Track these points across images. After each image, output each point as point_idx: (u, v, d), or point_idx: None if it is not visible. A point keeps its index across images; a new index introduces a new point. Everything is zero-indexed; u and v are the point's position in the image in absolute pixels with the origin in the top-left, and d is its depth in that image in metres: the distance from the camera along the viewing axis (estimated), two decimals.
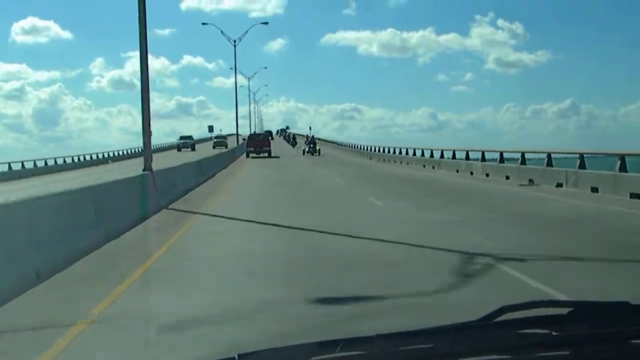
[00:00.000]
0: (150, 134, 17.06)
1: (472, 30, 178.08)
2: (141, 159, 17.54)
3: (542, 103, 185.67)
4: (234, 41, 60.88)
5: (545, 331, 1.56)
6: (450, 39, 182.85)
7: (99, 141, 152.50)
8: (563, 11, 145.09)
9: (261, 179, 27.59)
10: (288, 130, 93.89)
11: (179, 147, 67.94)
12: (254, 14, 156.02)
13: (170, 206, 15.97)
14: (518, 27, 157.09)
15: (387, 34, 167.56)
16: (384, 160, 45.51)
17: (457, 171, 28.96)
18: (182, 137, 73.19)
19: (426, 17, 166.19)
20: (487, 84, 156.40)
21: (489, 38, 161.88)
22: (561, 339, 1.55)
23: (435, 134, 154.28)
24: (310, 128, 70.97)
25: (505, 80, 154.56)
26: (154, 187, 15.62)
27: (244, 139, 64.86)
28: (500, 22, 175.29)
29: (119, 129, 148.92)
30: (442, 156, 33.35)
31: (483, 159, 27.27)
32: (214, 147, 62.25)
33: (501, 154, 25.50)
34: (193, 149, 65.18)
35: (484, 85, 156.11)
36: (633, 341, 1.56)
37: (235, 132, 70.28)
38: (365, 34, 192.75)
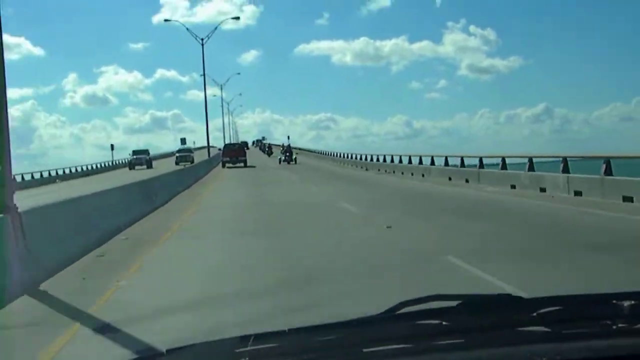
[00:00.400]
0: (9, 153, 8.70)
1: (444, 37, 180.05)
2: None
3: (515, 108, 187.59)
4: (202, 39, 58.49)
5: (439, 322, 1.77)
6: (423, 46, 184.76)
7: (73, 157, 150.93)
8: (534, 16, 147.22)
9: (233, 206, 19.66)
10: (264, 141, 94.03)
11: (130, 165, 58.17)
12: (226, 26, 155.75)
13: (44, 285, 8.06)
14: (490, 33, 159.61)
15: (360, 43, 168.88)
16: (379, 170, 40.31)
17: (466, 181, 25.21)
18: (134, 152, 61.60)
19: (399, 25, 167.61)
20: (461, 90, 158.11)
21: (462, 45, 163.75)
22: (453, 328, 1.76)
23: (411, 142, 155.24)
24: (288, 137, 70.85)
25: (479, 86, 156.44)
26: (16, 242, 8.25)
27: (219, 150, 64.55)
28: (472, 28, 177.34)
29: (93, 145, 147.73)
30: (432, 163, 31.68)
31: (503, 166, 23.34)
32: (176, 163, 53.91)
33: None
34: (149, 166, 54.46)
35: (457, 92, 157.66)
36: (518, 328, 1.78)
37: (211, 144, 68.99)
38: (338, 44, 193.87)
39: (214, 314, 6.42)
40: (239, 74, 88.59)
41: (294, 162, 54.80)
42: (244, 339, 1.63)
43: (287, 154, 56.58)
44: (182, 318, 6.19)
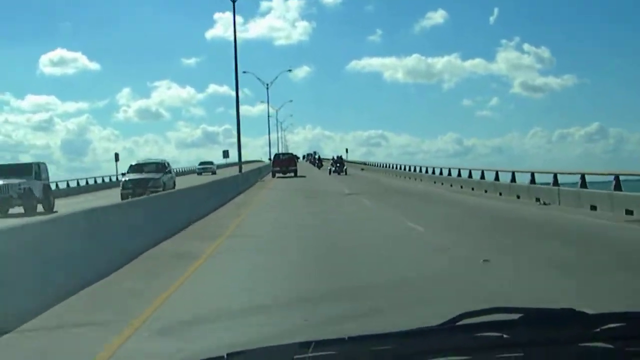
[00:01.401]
0: None
1: (497, 55, 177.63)
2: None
3: (568, 127, 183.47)
4: (267, 85, 61.87)
5: (499, 334, 1.75)
6: (475, 64, 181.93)
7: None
8: (590, 35, 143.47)
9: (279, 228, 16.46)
10: (316, 155, 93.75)
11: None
12: (279, 42, 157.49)
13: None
14: (545, 51, 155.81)
15: (412, 60, 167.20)
16: (461, 186, 32.37)
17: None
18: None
19: (452, 42, 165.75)
20: (513, 109, 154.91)
21: (515, 62, 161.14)
22: (513, 342, 1.75)
23: (461, 159, 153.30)
24: (346, 150, 71.16)
25: (532, 104, 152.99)
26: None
27: (269, 159, 65.67)
28: (526, 46, 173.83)
29: (146, 158, 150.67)
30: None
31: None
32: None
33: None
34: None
35: (509, 110, 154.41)
36: (580, 344, 1.75)
37: (260, 158, 71.37)
38: (390, 60, 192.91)
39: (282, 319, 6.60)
40: (291, 101, 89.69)
41: (344, 173, 54.53)
42: (304, 345, 1.65)
43: (338, 164, 56.28)
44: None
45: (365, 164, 77.26)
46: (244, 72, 59.99)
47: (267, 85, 79.80)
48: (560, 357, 1.71)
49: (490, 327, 1.78)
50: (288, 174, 53.50)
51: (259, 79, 77.84)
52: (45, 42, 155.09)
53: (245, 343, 1.88)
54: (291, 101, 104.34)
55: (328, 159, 78.44)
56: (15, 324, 6.23)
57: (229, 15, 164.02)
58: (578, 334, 1.78)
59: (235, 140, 46.10)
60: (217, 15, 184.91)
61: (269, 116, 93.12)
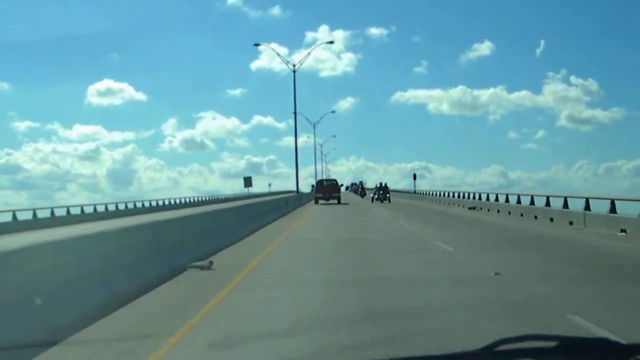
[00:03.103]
0: None
1: (544, 88, 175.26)
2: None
3: (616, 160, 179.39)
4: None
5: None
6: (521, 96, 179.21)
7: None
8: (638, 67, 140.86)
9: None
10: (362, 184, 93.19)
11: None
12: (324, 73, 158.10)
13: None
14: (592, 84, 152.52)
15: (457, 92, 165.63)
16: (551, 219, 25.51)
17: None
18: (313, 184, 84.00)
19: (498, 74, 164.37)
20: (559, 141, 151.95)
21: (562, 95, 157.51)
22: None
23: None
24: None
25: (578, 137, 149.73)
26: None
27: (312, 185, 65.82)
28: (573, 78, 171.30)
29: (190, 188, 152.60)
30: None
31: None
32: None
33: None
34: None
35: (555, 143, 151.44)
36: None
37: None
38: (435, 92, 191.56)
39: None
40: (333, 112, 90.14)
41: (387, 201, 53.68)
42: None
43: (381, 192, 55.34)
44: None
45: (404, 192, 77.11)
46: (294, 112, 60.74)
47: (314, 124, 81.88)
48: None
49: (526, 354, 1.83)
50: (331, 201, 53.53)
51: (307, 118, 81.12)
52: (93, 73, 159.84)
53: None
54: (334, 136, 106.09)
55: (371, 189, 78.19)
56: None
57: (274, 46, 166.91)
58: None
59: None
60: (262, 47, 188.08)
61: (315, 154, 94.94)
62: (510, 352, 1.82)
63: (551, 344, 1.83)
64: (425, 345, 5.71)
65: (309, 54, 61.63)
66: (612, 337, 2.13)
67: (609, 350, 1.84)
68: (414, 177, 72.12)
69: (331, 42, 67.94)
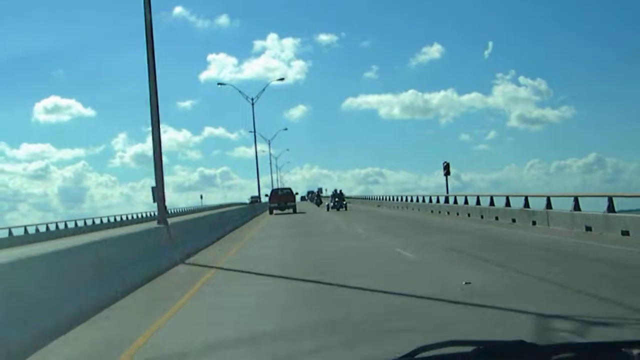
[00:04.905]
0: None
1: (494, 89, 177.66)
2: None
3: (566, 158, 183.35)
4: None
5: None
6: (472, 98, 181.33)
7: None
8: (586, 66, 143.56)
9: None
10: (321, 193, 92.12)
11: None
12: (274, 82, 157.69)
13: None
14: (541, 83, 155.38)
15: (408, 96, 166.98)
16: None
17: None
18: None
19: (448, 77, 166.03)
20: (511, 141, 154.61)
21: (512, 95, 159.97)
22: None
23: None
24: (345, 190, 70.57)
25: (529, 136, 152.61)
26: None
27: (266, 195, 64.75)
28: (522, 79, 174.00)
29: (143, 203, 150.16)
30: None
31: None
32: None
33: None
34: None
35: (507, 143, 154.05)
36: None
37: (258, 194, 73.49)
38: (386, 97, 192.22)
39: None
40: (286, 129, 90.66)
41: (344, 209, 52.42)
42: None
43: (336, 199, 53.60)
44: None
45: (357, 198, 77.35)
46: (250, 131, 62.93)
47: (269, 141, 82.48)
48: None
49: None
50: (286, 210, 52.40)
51: (262, 136, 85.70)
52: (39, 91, 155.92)
53: None
54: (288, 150, 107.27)
55: (327, 197, 77.16)
56: None
57: (222, 56, 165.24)
58: None
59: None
60: (210, 57, 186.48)
61: (270, 166, 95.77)
62: (430, 359, 1.89)
63: (469, 348, 1.89)
64: None
65: (264, 90, 64.74)
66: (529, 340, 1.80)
67: (525, 352, 1.90)
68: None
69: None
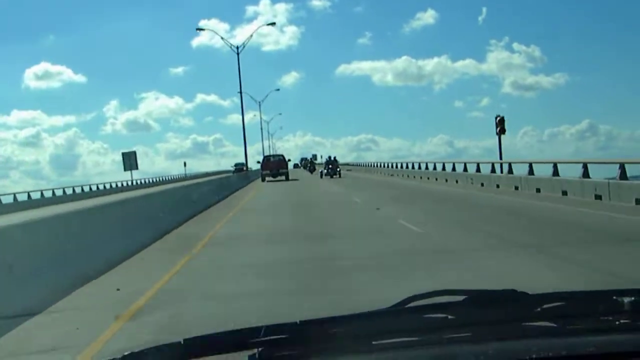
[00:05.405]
0: None
1: (488, 55, 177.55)
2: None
3: (559, 125, 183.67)
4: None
5: (446, 315, 1.83)
6: (466, 64, 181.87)
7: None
8: (580, 33, 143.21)
9: None
10: (315, 160, 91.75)
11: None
12: (267, 47, 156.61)
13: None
14: (535, 50, 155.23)
15: (402, 62, 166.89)
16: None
17: None
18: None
19: (442, 43, 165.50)
20: (505, 108, 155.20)
21: (506, 62, 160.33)
22: (460, 322, 1.82)
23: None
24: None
25: (523, 103, 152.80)
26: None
27: (258, 162, 63.55)
28: (516, 45, 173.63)
29: (136, 172, 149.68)
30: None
31: None
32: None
33: None
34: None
35: (501, 110, 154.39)
36: (523, 323, 1.84)
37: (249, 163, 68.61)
38: (380, 63, 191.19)
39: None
40: (278, 90, 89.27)
41: (337, 176, 51.97)
42: (256, 330, 1.71)
43: (330, 166, 53.64)
44: None
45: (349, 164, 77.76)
46: (239, 92, 58.51)
47: (260, 103, 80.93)
48: (505, 336, 1.76)
49: (437, 309, 1.87)
50: (279, 178, 52.24)
51: (252, 97, 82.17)
52: (29, 57, 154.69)
53: None
54: (280, 114, 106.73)
55: (320, 164, 77.54)
56: None
57: (214, 22, 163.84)
58: (520, 313, 1.88)
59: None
60: (202, 23, 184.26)
61: (262, 132, 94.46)
62: (421, 308, 1.87)
63: (460, 297, 1.88)
64: None
65: (252, 35, 58.38)
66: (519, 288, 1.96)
67: (515, 301, 1.92)
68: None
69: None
